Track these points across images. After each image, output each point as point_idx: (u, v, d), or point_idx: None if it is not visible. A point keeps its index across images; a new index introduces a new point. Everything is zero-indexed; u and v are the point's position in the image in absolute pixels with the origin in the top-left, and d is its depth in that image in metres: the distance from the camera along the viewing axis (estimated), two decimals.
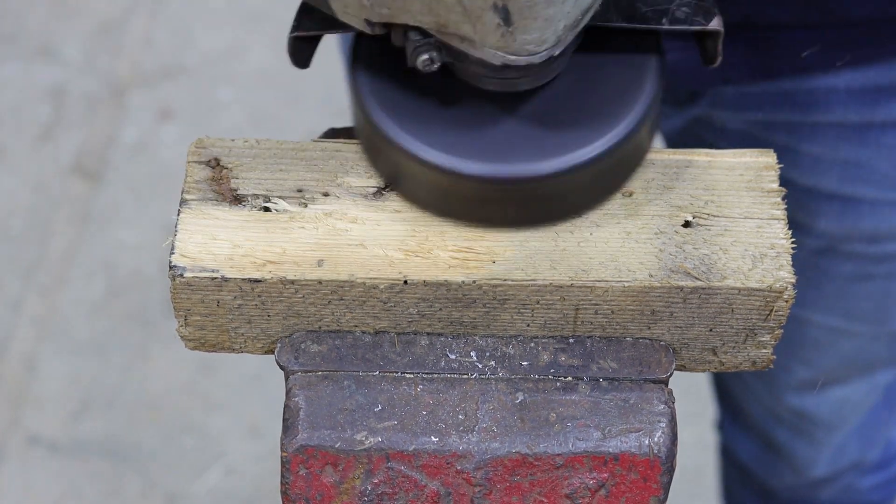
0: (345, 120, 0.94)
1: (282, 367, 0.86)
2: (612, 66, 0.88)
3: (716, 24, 0.86)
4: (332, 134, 0.94)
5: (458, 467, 0.83)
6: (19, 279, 2.36)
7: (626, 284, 0.84)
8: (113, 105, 2.61)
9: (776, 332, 0.87)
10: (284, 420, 0.84)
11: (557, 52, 0.81)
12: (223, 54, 2.66)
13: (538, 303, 0.85)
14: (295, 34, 0.87)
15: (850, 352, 1.33)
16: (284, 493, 0.84)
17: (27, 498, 2.14)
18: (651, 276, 0.84)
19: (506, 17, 0.77)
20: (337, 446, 0.83)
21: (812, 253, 1.22)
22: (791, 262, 0.85)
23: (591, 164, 0.85)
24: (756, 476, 1.54)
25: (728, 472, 1.64)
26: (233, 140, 0.90)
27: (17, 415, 2.22)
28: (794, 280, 0.85)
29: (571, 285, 0.84)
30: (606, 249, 0.86)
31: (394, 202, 0.88)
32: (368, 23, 0.82)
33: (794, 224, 1.20)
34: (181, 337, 0.88)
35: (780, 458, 1.48)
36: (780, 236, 0.86)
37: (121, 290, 2.36)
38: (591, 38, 0.86)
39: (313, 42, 0.89)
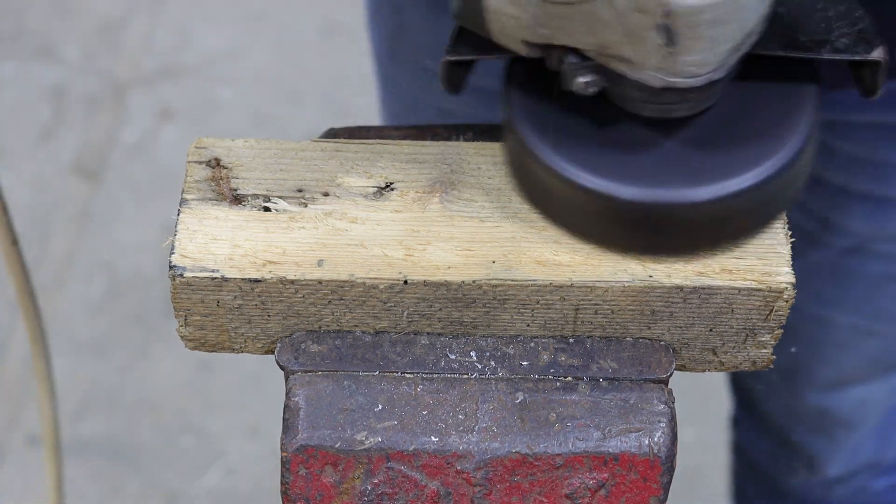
0: (345, 120, 0.94)
1: (282, 367, 0.86)
2: (769, 95, 0.85)
3: (878, 54, 0.83)
4: (332, 134, 0.94)
5: (458, 467, 0.83)
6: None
7: (626, 284, 0.84)
8: (113, 105, 2.61)
9: (776, 332, 0.87)
10: (284, 420, 0.84)
11: (719, 76, 0.79)
12: (223, 54, 2.66)
13: (538, 303, 0.85)
14: (448, 58, 0.85)
15: (874, 351, 1.33)
16: (284, 493, 0.84)
17: (27, 498, 2.14)
18: (651, 276, 0.84)
19: (669, 37, 0.76)
20: (337, 446, 0.83)
21: (841, 253, 1.23)
22: (791, 262, 0.85)
23: (747, 193, 0.82)
24: (769, 474, 1.53)
25: (740, 469, 1.63)
26: (233, 140, 0.90)
27: (17, 415, 2.22)
28: (794, 280, 0.84)
29: (571, 285, 0.84)
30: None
31: (394, 202, 0.88)
32: (526, 45, 0.80)
33: (826, 223, 1.20)
34: (181, 337, 0.88)
35: (795, 456, 1.48)
36: (780, 236, 0.86)
37: (121, 290, 2.36)
38: (748, 67, 0.84)
39: (467, 66, 0.86)
